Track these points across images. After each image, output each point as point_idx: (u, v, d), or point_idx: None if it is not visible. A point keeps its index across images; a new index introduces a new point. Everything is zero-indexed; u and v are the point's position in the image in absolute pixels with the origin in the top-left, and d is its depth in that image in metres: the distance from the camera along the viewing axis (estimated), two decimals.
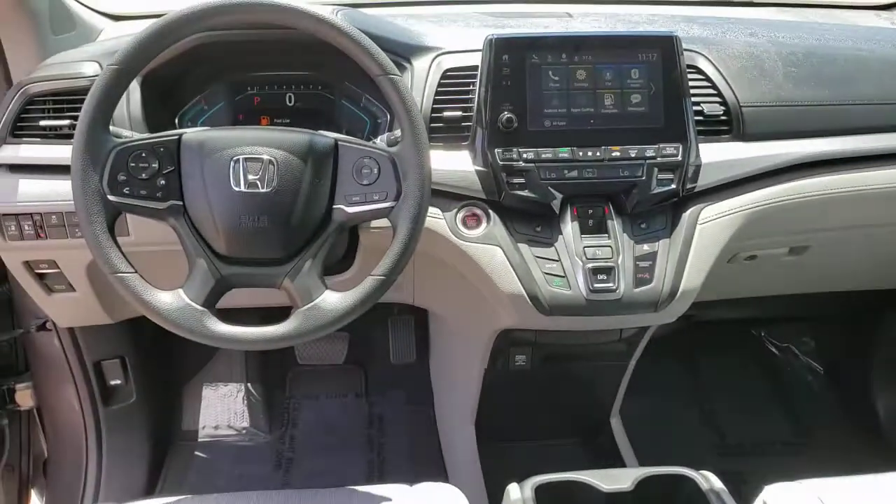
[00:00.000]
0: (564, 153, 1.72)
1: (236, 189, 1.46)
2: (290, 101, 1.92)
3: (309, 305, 1.48)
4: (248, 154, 1.47)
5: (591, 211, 1.74)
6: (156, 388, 2.72)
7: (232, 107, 1.91)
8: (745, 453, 2.85)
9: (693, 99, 1.78)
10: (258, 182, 1.46)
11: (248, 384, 2.99)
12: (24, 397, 2.37)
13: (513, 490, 1.64)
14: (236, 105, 1.91)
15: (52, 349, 2.32)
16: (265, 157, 1.47)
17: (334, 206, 1.52)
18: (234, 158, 1.47)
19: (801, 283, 2.42)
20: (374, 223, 1.72)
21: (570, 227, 1.73)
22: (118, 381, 2.49)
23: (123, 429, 2.56)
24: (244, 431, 2.91)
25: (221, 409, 2.94)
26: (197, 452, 2.84)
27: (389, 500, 1.58)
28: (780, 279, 2.34)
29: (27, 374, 2.41)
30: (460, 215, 1.75)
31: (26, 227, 1.77)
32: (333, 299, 1.49)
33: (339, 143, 1.52)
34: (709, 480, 1.65)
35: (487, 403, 2.38)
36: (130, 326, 2.35)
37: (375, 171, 1.50)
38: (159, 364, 2.78)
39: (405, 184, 1.49)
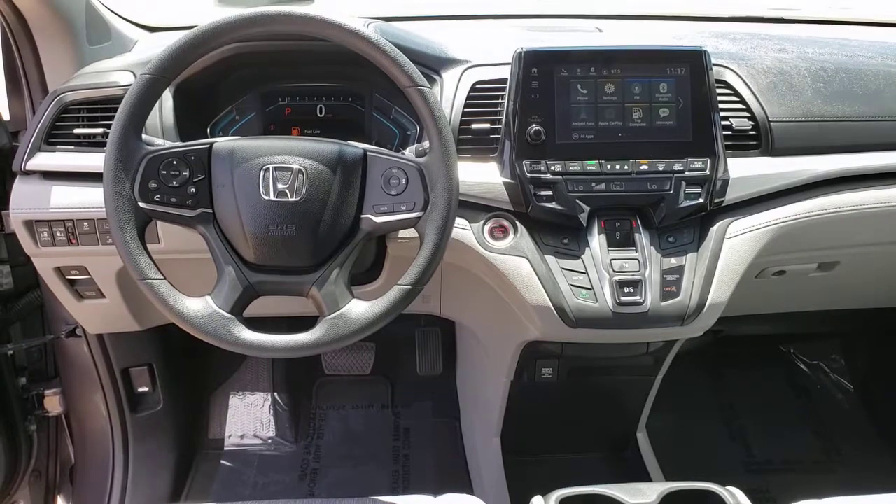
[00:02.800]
0: (592, 166, 1.72)
1: (266, 198, 1.47)
2: (320, 113, 1.94)
3: (336, 314, 1.49)
4: (278, 163, 1.48)
5: (618, 224, 1.74)
6: (183, 396, 2.74)
7: (263, 117, 1.93)
8: (774, 470, 2.82)
9: (721, 113, 1.78)
10: (287, 191, 1.47)
11: (275, 394, 3.00)
12: (53, 403, 2.39)
13: (537, 503, 1.64)
14: (267, 115, 1.93)
15: (81, 355, 2.34)
16: (295, 166, 1.48)
17: (362, 216, 1.52)
18: (264, 167, 1.48)
19: (830, 299, 2.41)
20: (402, 233, 1.73)
21: (597, 240, 1.73)
22: (146, 389, 2.51)
23: (150, 436, 2.58)
24: (270, 441, 2.92)
25: (247, 418, 2.96)
26: (222, 461, 2.85)
27: None
28: (809, 295, 2.33)
29: (56, 381, 2.43)
30: (487, 226, 1.76)
31: (58, 234, 1.79)
32: (360, 308, 1.49)
33: (368, 153, 1.53)
34: (735, 497, 1.63)
35: (513, 416, 2.38)
36: (159, 334, 2.37)
37: (403, 181, 1.51)
38: (187, 372, 2.80)
39: (433, 194, 1.49)
